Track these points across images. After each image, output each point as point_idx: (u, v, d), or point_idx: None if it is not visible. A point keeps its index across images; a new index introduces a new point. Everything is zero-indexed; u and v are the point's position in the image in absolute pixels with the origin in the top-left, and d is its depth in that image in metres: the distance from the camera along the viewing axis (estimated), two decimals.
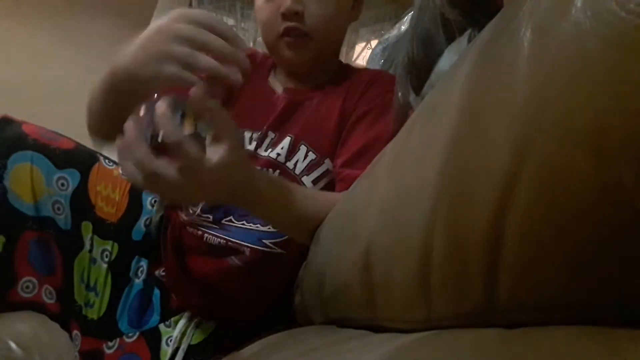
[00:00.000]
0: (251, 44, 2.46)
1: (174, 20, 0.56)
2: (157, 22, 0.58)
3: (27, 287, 0.72)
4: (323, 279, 0.53)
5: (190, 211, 0.80)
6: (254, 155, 0.79)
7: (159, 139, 0.47)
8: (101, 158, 0.84)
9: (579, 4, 0.19)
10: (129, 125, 0.49)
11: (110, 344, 0.76)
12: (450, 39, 0.65)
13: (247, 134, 0.81)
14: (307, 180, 0.77)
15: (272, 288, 0.79)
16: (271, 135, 0.81)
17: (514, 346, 0.20)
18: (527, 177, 0.21)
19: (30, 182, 0.73)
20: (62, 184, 0.77)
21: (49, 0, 2.67)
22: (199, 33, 0.54)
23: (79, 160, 0.80)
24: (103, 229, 0.79)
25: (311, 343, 0.44)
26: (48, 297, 0.73)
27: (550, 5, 0.21)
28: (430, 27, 0.68)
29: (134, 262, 0.82)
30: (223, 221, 0.78)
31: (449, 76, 0.34)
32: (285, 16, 0.76)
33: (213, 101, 0.50)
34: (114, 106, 0.67)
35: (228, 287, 0.77)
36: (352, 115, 0.80)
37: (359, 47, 2.41)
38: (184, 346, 0.76)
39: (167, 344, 0.77)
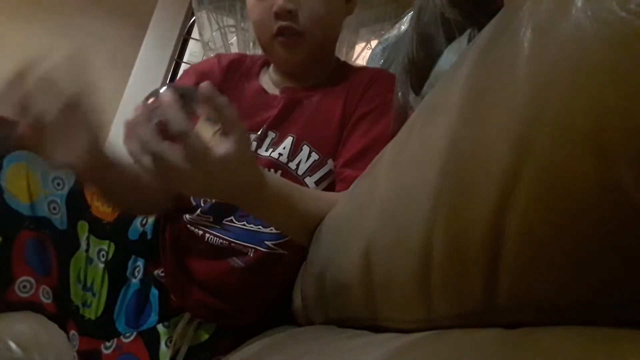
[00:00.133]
0: (251, 45, 2.46)
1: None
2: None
3: (25, 287, 0.72)
4: (323, 279, 0.53)
5: (192, 209, 0.80)
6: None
7: (168, 128, 0.47)
8: None
9: (579, 4, 0.19)
10: (138, 108, 0.49)
11: (107, 344, 0.76)
12: (450, 39, 0.65)
13: (251, 135, 0.81)
14: (310, 181, 0.77)
15: (273, 289, 0.79)
16: (271, 135, 0.80)
17: (514, 346, 0.20)
18: (527, 177, 0.21)
19: (26, 181, 0.73)
20: (58, 184, 0.77)
21: (50, 1, 2.67)
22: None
23: None
24: (99, 229, 0.79)
25: (311, 343, 0.44)
26: (45, 297, 0.73)
27: (551, 5, 0.21)
28: (430, 27, 0.68)
29: (130, 262, 0.82)
30: (224, 221, 0.77)
31: (449, 76, 0.34)
32: (278, 15, 0.75)
33: (222, 96, 0.49)
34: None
35: (229, 288, 0.77)
36: (353, 115, 0.79)
37: (359, 47, 2.41)
38: (184, 347, 0.76)
39: (167, 345, 0.77)
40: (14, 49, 2.59)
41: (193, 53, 2.90)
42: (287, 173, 0.78)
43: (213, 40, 2.49)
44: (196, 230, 0.79)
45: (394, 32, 1.11)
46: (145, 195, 0.69)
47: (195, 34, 2.77)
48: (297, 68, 0.83)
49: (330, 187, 0.77)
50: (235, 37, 2.52)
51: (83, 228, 0.78)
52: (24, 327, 0.70)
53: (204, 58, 2.41)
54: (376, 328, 0.39)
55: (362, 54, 2.38)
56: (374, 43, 2.25)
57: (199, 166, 0.48)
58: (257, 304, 0.80)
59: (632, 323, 0.17)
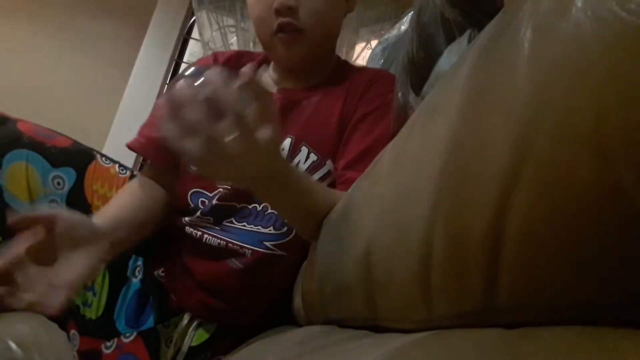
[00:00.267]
0: (251, 44, 2.46)
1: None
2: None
3: None
4: (323, 280, 0.53)
5: (191, 211, 0.80)
6: None
7: (215, 110, 0.43)
8: (98, 156, 0.84)
9: (579, 4, 0.19)
10: (181, 85, 0.45)
11: (108, 344, 0.76)
12: (450, 39, 0.65)
13: None
14: None
15: (272, 289, 0.79)
16: None
17: (514, 346, 0.20)
18: (527, 177, 0.21)
19: (25, 181, 0.73)
20: (58, 183, 0.77)
21: (50, 1, 2.67)
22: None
23: (75, 159, 0.80)
24: None
25: (311, 343, 0.44)
26: None
27: (551, 5, 0.21)
28: (430, 27, 0.68)
29: (131, 262, 0.82)
30: (224, 222, 0.77)
31: (449, 76, 0.34)
32: (279, 12, 0.75)
33: (261, 81, 0.47)
34: None
35: (228, 288, 0.77)
36: (352, 116, 0.79)
37: (359, 47, 2.41)
38: (184, 347, 0.76)
39: (167, 345, 0.77)
40: (14, 49, 2.59)
41: (193, 53, 2.90)
42: None
43: (213, 40, 2.49)
44: (195, 231, 0.79)
45: (394, 32, 1.11)
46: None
47: (195, 34, 2.77)
48: (298, 65, 0.82)
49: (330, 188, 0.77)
50: (235, 37, 2.52)
51: None
52: (24, 327, 0.70)
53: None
54: (376, 328, 0.39)
55: (362, 54, 2.38)
56: (374, 43, 2.25)
57: (246, 150, 0.45)
58: (257, 304, 0.80)
59: (632, 323, 0.17)
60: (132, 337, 0.77)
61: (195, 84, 0.44)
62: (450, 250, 0.26)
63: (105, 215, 0.69)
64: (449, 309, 0.28)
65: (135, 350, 0.76)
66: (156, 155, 0.82)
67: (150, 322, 0.79)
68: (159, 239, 0.83)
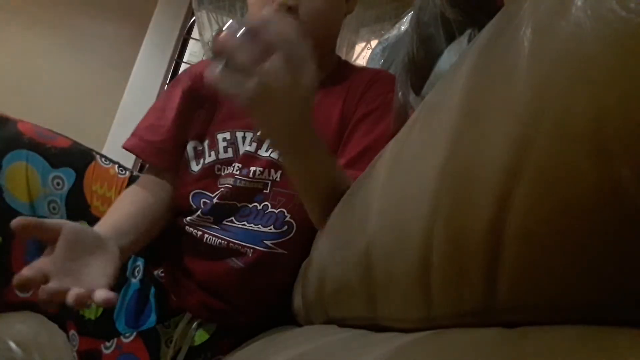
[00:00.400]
0: None
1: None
2: None
3: None
4: (323, 279, 0.53)
5: (191, 211, 0.80)
6: (254, 156, 0.79)
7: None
8: (97, 157, 0.84)
9: (579, 3, 0.19)
10: (232, 26, 0.48)
11: (107, 344, 0.76)
12: (450, 39, 0.65)
13: (247, 134, 0.81)
14: None
15: (273, 288, 0.79)
16: None
17: (514, 346, 0.20)
18: (527, 177, 0.21)
19: (25, 181, 0.73)
20: (58, 183, 0.77)
21: (51, 1, 2.67)
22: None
23: (75, 159, 0.80)
24: None
25: (311, 343, 0.44)
26: None
27: (551, 4, 0.21)
28: (430, 27, 0.68)
29: (130, 262, 0.82)
30: (224, 222, 0.77)
31: (449, 76, 0.34)
32: (279, 12, 0.75)
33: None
34: None
35: (228, 288, 0.77)
36: (353, 116, 0.79)
37: (359, 47, 2.41)
38: (184, 347, 0.76)
39: (167, 345, 0.77)
40: (14, 49, 2.59)
41: (193, 53, 2.90)
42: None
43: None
44: (195, 231, 0.79)
45: (394, 32, 1.11)
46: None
47: (195, 34, 2.77)
48: None
49: None
50: None
51: None
52: (24, 327, 0.70)
53: (204, 58, 2.41)
54: (376, 328, 0.39)
55: (362, 54, 2.38)
56: (374, 43, 2.25)
57: (291, 87, 0.48)
58: (257, 304, 0.80)
59: (632, 323, 0.17)
60: (132, 337, 0.77)
61: (240, 31, 0.48)
62: (450, 250, 0.26)
63: (107, 225, 0.69)
64: (448, 309, 0.28)
65: (135, 350, 0.76)
66: (157, 158, 0.82)
67: (150, 322, 0.79)
68: (159, 239, 0.83)
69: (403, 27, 1.04)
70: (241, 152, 0.80)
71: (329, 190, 0.61)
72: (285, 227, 0.76)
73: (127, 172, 0.87)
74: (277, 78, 0.47)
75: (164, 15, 2.69)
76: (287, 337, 0.58)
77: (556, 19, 0.20)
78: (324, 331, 0.50)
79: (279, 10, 0.75)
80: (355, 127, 0.78)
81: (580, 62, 0.19)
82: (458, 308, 0.27)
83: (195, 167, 0.82)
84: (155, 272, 0.82)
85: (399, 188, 0.36)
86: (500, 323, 0.23)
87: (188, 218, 0.79)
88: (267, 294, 0.80)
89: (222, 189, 0.78)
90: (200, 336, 0.78)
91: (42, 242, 0.57)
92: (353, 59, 2.37)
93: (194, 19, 2.64)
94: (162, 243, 0.83)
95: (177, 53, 2.75)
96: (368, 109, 0.79)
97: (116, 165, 0.86)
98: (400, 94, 0.75)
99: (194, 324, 0.78)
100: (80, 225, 0.59)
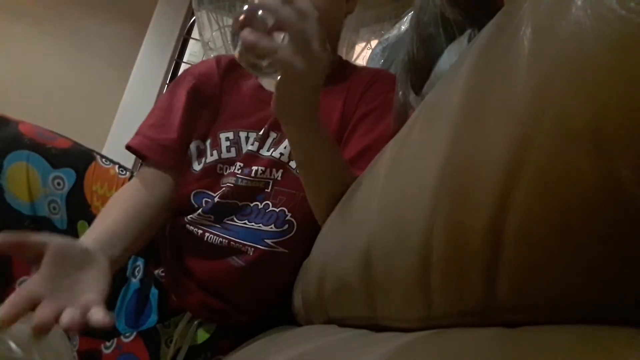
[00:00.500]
0: None
1: None
2: None
3: None
4: (323, 279, 0.53)
5: (192, 210, 0.80)
6: (256, 155, 0.79)
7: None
8: (97, 157, 0.84)
9: (579, 3, 0.19)
10: (252, 4, 0.51)
11: (107, 344, 0.76)
12: (450, 39, 0.65)
13: (250, 134, 0.81)
14: None
15: (273, 288, 0.79)
16: (273, 135, 0.80)
17: (514, 346, 0.20)
18: (527, 177, 0.21)
19: (26, 181, 0.73)
20: (58, 184, 0.77)
21: (51, 1, 2.67)
22: None
23: (75, 160, 0.80)
24: None
25: (311, 343, 0.44)
26: None
27: (551, 4, 0.21)
28: (430, 27, 0.68)
29: (130, 262, 0.82)
30: (225, 220, 0.78)
31: (449, 76, 0.34)
32: None
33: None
34: None
35: (229, 287, 0.77)
36: (353, 116, 0.79)
37: (359, 47, 2.41)
38: (184, 347, 0.76)
39: (167, 345, 0.77)
40: (14, 49, 2.59)
41: (193, 53, 2.90)
42: (288, 172, 0.78)
43: (213, 40, 2.49)
44: (196, 229, 0.79)
45: (394, 32, 1.11)
46: None
47: (195, 34, 2.77)
48: None
49: None
50: None
51: (83, 227, 0.78)
52: (24, 326, 0.70)
53: (204, 58, 2.41)
54: (376, 327, 0.39)
55: (362, 54, 2.38)
56: (374, 43, 2.25)
57: (313, 64, 0.51)
58: (258, 303, 0.80)
59: (632, 323, 0.17)
60: (132, 337, 0.77)
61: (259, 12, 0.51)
62: (450, 250, 0.26)
63: (96, 233, 0.67)
64: (448, 308, 0.28)
65: (135, 350, 0.76)
66: (163, 156, 0.82)
67: (150, 322, 0.79)
68: (159, 238, 0.83)
69: (403, 27, 1.04)
70: (244, 151, 0.80)
71: (337, 178, 0.61)
72: (286, 225, 0.76)
73: (128, 173, 0.87)
74: (295, 54, 0.49)
75: (164, 15, 2.69)
76: (287, 337, 0.58)
77: (556, 19, 0.20)
78: (324, 331, 0.50)
79: None
80: (355, 127, 0.78)
81: (580, 62, 0.19)
82: (458, 308, 0.27)
83: (196, 167, 0.82)
84: (156, 272, 0.82)
85: (399, 188, 0.36)
86: (500, 323, 0.23)
87: (189, 217, 0.80)
88: (268, 293, 0.80)
89: (224, 188, 0.78)
90: (200, 336, 0.79)
91: (27, 261, 0.54)
92: (353, 59, 2.37)
93: (194, 19, 2.64)
94: (162, 242, 0.83)
95: (177, 53, 2.75)
96: (368, 108, 0.79)
97: (116, 166, 0.86)
98: (400, 93, 0.75)
99: (194, 324, 0.78)
100: (66, 240, 0.57)
